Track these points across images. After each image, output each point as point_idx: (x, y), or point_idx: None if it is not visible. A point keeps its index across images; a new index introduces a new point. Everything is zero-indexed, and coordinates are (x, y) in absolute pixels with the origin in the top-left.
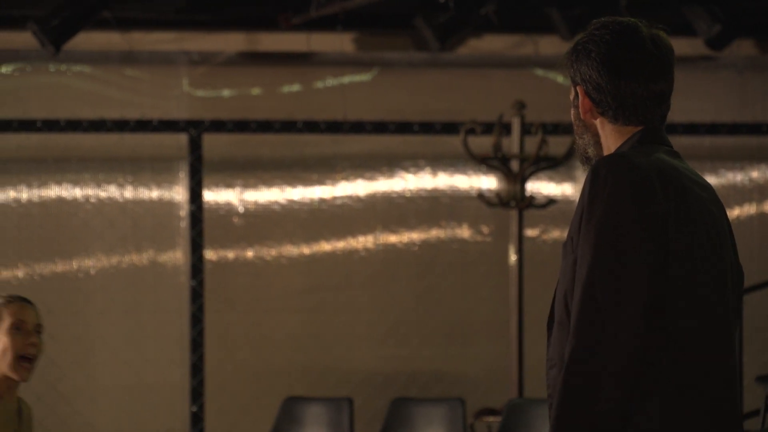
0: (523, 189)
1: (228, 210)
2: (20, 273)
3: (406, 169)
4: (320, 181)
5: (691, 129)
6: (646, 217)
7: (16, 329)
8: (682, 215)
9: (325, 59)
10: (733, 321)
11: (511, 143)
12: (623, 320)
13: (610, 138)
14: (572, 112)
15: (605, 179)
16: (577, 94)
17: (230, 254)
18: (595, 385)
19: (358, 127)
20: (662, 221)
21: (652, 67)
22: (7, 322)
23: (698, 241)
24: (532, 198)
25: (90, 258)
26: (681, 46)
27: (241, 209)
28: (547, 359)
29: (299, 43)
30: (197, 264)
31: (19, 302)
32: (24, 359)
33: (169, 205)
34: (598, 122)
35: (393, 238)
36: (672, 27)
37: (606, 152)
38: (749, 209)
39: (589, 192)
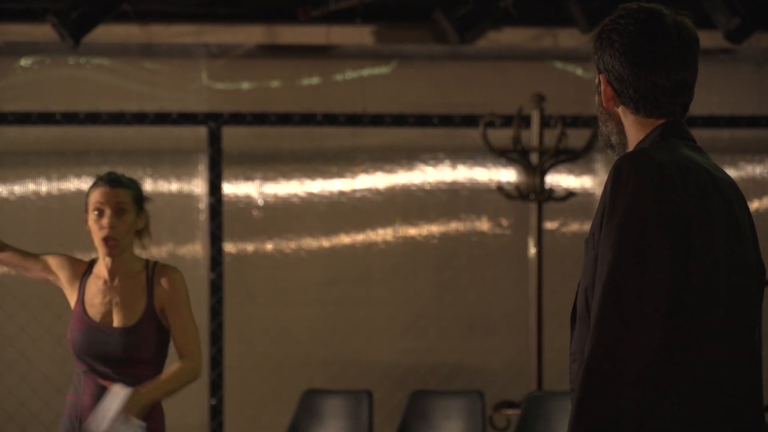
0: (542, 182)
1: (247, 203)
2: None
3: (426, 162)
4: (340, 174)
5: (711, 122)
6: (668, 215)
7: (97, 214)
8: (703, 213)
9: (345, 52)
10: (755, 317)
11: (531, 136)
12: (643, 318)
13: (632, 129)
14: (596, 98)
15: (627, 177)
16: (600, 80)
17: (249, 247)
18: (614, 383)
19: (377, 120)
20: (683, 219)
21: (675, 58)
22: (90, 207)
23: (719, 238)
24: (551, 191)
25: None
26: (700, 38)
27: (260, 202)
28: (570, 354)
29: (318, 35)
30: (216, 257)
31: (99, 187)
32: (107, 240)
33: (188, 198)
34: (620, 111)
35: (412, 231)
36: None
37: (629, 141)
38: None
39: (611, 189)
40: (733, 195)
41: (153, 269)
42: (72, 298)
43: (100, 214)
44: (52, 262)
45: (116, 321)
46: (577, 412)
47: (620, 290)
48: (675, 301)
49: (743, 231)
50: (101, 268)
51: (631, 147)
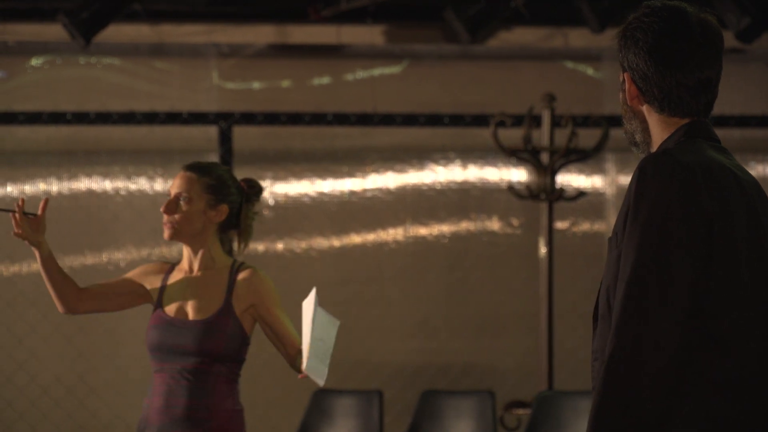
0: (553, 181)
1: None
2: None
3: (436, 162)
4: (350, 174)
5: (721, 121)
6: (691, 216)
7: (169, 197)
8: (727, 214)
9: (355, 51)
10: None
11: (541, 135)
12: (664, 319)
13: (656, 128)
14: (620, 96)
15: (652, 177)
16: (624, 79)
17: (260, 247)
18: (633, 384)
19: (388, 120)
20: (707, 221)
21: (700, 57)
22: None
23: (742, 240)
24: (562, 190)
25: (120, 251)
26: None
27: (271, 202)
28: (592, 351)
29: (329, 35)
30: None
31: (180, 172)
32: (164, 224)
33: None
34: (644, 109)
35: (423, 231)
36: None
37: (653, 140)
38: None
39: (635, 189)
40: (757, 196)
41: (238, 269)
42: (154, 298)
43: (169, 197)
44: (135, 274)
45: (191, 314)
46: (596, 411)
47: (642, 291)
48: (696, 303)
49: (767, 232)
50: (184, 263)
51: (655, 146)
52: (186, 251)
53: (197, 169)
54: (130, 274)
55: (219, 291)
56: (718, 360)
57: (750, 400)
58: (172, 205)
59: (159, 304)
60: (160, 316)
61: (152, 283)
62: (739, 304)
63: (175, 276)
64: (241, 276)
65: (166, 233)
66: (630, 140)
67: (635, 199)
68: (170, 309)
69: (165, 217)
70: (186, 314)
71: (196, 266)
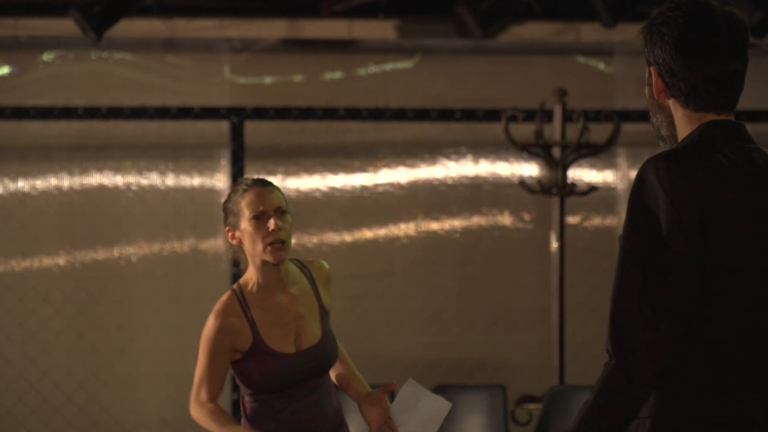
0: (564, 176)
1: None
2: (62, 261)
3: (448, 157)
4: (362, 169)
5: (734, 116)
6: (686, 221)
7: (257, 218)
8: (727, 220)
9: (367, 46)
10: None
11: (553, 130)
12: (659, 321)
13: (681, 122)
14: (646, 90)
15: (650, 181)
16: (650, 73)
17: None
18: (624, 384)
19: (400, 115)
20: (702, 226)
21: (725, 49)
22: (247, 213)
23: (744, 241)
24: (573, 185)
25: (131, 245)
26: None
27: None
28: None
29: (341, 30)
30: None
31: (254, 189)
32: (273, 244)
33: (211, 193)
34: (670, 103)
35: (435, 226)
36: None
37: (678, 134)
38: None
39: (632, 193)
40: None
41: (307, 269)
42: (246, 342)
43: (261, 218)
44: (224, 341)
45: (307, 341)
46: (588, 407)
47: (634, 292)
48: (690, 307)
49: None
50: (259, 290)
51: (680, 140)
52: (269, 271)
53: (269, 183)
54: (220, 347)
55: (312, 300)
56: (714, 361)
57: (739, 405)
58: (281, 222)
59: (259, 342)
60: (278, 358)
61: (240, 329)
62: (735, 310)
63: (261, 307)
64: (317, 275)
65: (278, 256)
66: (657, 134)
67: (630, 201)
68: (284, 346)
69: (271, 238)
70: (301, 343)
71: (285, 288)
